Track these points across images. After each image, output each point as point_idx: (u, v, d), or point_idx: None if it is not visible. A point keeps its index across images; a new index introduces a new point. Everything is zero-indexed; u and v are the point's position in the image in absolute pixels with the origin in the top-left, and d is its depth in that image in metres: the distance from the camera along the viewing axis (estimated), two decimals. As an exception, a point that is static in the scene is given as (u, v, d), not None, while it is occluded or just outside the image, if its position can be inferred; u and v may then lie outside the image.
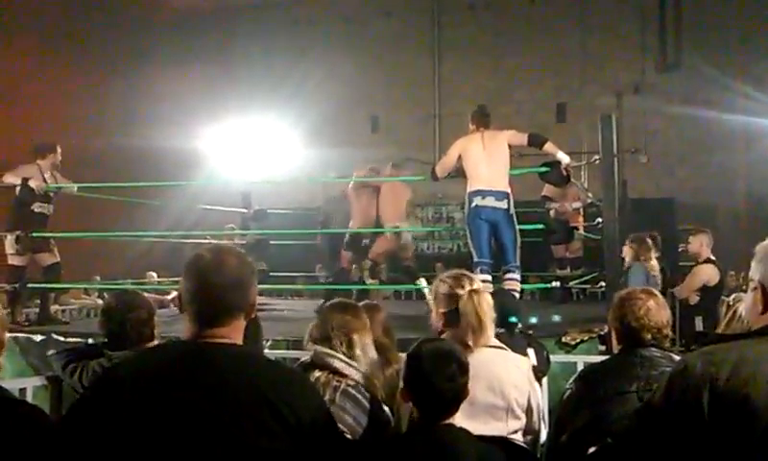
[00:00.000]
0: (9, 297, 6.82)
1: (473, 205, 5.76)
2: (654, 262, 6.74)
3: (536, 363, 3.56)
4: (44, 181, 6.83)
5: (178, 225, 10.04)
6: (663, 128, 13.82)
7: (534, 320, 5.78)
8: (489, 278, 5.59)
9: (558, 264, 8.78)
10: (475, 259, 5.72)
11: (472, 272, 5.36)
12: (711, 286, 7.06)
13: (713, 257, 7.23)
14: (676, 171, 13.62)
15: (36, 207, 6.79)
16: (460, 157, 5.93)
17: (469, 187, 5.83)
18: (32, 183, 6.68)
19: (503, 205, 5.72)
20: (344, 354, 2.65)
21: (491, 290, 5.28)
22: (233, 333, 1.82)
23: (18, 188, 6.71)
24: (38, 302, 7.16)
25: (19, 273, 6.80)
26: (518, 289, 5.71)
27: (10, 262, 6.75)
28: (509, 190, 5.78)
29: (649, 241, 6.83)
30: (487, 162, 5.78)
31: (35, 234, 6.70)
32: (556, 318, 6.32)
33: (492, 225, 5.72)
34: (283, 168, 13.42)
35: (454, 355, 2.34)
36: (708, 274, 7.10)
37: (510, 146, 5.86)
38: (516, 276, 5.72)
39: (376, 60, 15.08)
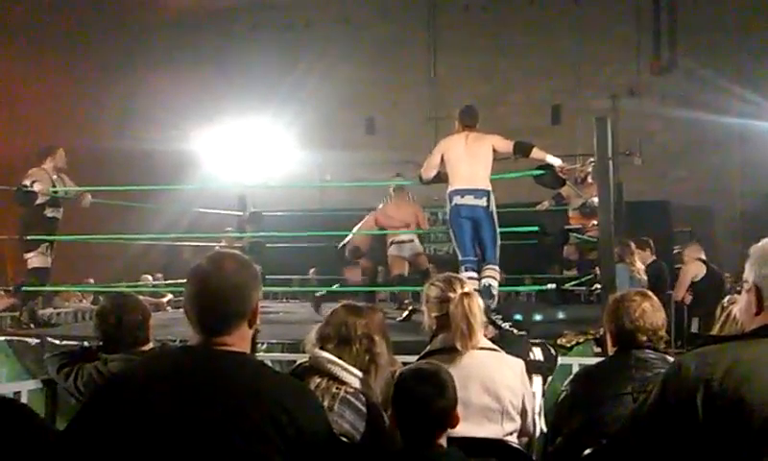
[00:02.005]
0: (21, 299, 6.83)
1: (453, 204, 5.76)
2: (638, 265, 6.89)
3: (542, 359, 3.57)
4: (53, 184, 6.82)
5: (173, 228, 10.02)
6: (658, 130, 13.85)
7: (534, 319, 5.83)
8: (475, 275, 5.59)
9: (565, 265, 8.79)
10: (460, 258, 5.72)
11: (458, 271, 5.42)
12: (698, 280, 7.58)
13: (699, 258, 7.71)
14: (671, 173, 13.64)
15: (49, 212, 6.79)
16: (443, 159, 5.91)
17: (449, 187, 5.83)
18: (36, 187, 6.67)
19: (482, 202, 5.69)
20: (361, 358, 2.62)
21: (476, 287, 5.35)
22: (239, 341, 1.80)
23: (16, 190, 6.71)
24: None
25: (42, 274, 6.81)
26: (497, 278, 5.71)
27: (31, 266, 6.76)
28: (490, 188, 5.75)
29: (632, 244, 6.96)
30: (467, 162, 5.76)
31: (28, 238, 6.69)
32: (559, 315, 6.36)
33: (473, 222, 5.71)
34: (279, 170, 13.41)
35: (434, 378, 2.32)
36: (692, 270, 7.64)
37: (495, 150, 5.83)
38: (495, 268, 5.70)
39: (372, 62, 15.08)
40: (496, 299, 5.68)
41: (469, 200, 5.69)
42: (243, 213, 9.07)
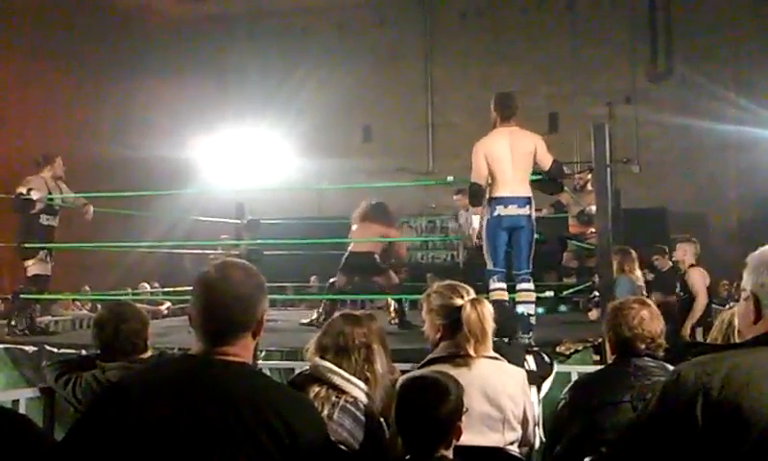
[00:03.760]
0: (14, 306, 6.81)
1: (495, 214, 5.31)
2: (638, 272, 6.87)
3: (535, 368, 3.56)
4: (49, 192, 6.82)
5: (170, 235, 10.01)
6: (655, 137, 13.88)
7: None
8: (504, 285, 5.30)
9: (564, 273, 8.79)
10: (489, 268, 5.36)
11: (487, 281, 5.25)
12: (707, 286, 7.39)
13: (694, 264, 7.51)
14: (668, 180, 13.66)
15: (44, 220, 6.78)
16: (486, 159, 5.38)
17: (492, 192, 5.36)
18: (33, 195, 6.66)
19: (526, 211, 5.31)
20: (360, 366, 2.62)
21: (505, 298, 5.20)
22: (242, 351, 1.80)
23: (14, 198, 6.70)
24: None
25: (41, 281, 6.79)
26: (534, 299, 5.38)
27: (30, 273, 6.75)
28: (531, 194, 5.40)
29: (633, 252, 6.94)
30: (512, 164, 5.32)
31: (27, 246, 6.68)
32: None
33: (510, 231, 5.34)
34: (276, 178, 13.42)
35: (436, 386, 2.32)
36: (702, 275, 7.37)
37: (535, 155, 5.42)
38: (531, 285, 5.37)
39: (369, 69, 15.12)
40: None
41: (513, 210, 5.29)
42: (241, 221, 9.07)
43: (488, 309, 2.87)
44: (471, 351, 2.78)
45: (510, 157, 5.33)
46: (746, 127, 12.87)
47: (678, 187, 13.52)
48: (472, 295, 2.92)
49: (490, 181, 5.41)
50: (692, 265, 7.42)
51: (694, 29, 13.78)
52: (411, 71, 15.37)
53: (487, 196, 5.43)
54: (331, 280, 7.33)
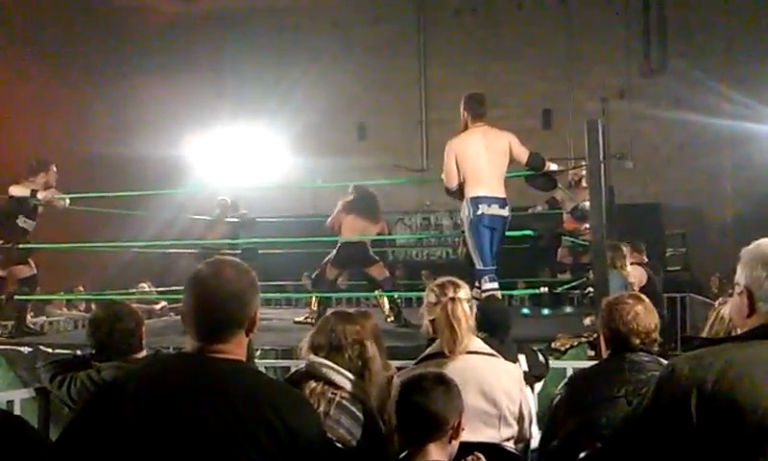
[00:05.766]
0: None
1: (479, 212, 5.29)
2: (629, 268, 6.89)
3: (527, 369, 3.56)
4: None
5: (165, 234, 9.99)
6: (649, 132, 13.88)
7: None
8: (497, 285, 5.32)
9: (559, 268, 8.79)
10: (479, 268, 5.34)
11: (478, 281, 5.25)
12: (642, 287, 7.32)
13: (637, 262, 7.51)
14: (662, 175, 13.67)
15: (21, 222, 6.72)
16: (457, 160, 5.42)
17: (471, 192, 5.36)
18: (40, 195, 6.60)
19: (506, 212, 5.38)
20: (354, 364, 2.63)
21: (498, 296, 5.23)
22: (236, 349, 1.80)
23: (8, 199, 6.66)
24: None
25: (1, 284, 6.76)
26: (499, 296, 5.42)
27: None
28: (506, 196, 5.44)
29: (624, 248, 6.96)
30: (489, 163, 5.35)
31: (20, 246, 6.64)
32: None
33: (491, 231, 5.37)
34: (271, 176, 13.40)
35: (437, 378, 2.33)
36: (635, 275, 7.29)
37: (510, 151, 5.46)
38: (496, 284, 5.38)
39: (363, 66, 15.08)
40: None
41: (495, 210, 5.31)
42: (236, 218, 9.06)
43: (460, 308, 2.87)
44: (445, 350, 2.79)
45: (486, 156, 5.37)
46: (740, 121, 12.85)
47: (672, 182, 13.53)
48: (459, 294, 2.92)
49: (464, 181, 5.41)
50: (631, 263, 7.49)
51: (688, 24, 13.78)
52: (406, 69, 15.33)
53: (465, 195, 5.42)
54: (315, 273, 7.35)
